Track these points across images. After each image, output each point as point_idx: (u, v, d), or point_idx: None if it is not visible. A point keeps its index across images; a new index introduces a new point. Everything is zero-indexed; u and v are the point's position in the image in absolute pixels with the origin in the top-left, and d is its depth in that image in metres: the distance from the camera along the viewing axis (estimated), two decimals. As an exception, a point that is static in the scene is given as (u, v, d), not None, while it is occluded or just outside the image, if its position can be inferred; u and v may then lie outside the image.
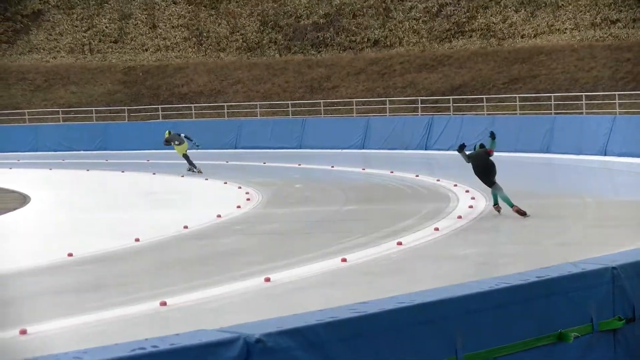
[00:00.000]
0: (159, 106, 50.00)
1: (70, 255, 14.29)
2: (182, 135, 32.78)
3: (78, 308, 10.69)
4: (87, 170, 32.81)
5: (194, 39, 57.35)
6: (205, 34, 57.27)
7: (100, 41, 58.81)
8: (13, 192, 24.95)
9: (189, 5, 59.26)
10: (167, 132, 33.67)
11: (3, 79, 56.32)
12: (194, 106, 49.14)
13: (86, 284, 12.46)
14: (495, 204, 18.16)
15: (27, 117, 51.07)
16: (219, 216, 18.52)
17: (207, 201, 22.24)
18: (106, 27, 59.45)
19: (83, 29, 59.82)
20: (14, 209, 21.03)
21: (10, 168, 34.91)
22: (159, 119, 48.45)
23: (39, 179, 29.10)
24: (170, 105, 50.38)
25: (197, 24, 57.87)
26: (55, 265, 13.75)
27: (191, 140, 32.18)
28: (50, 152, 42.76)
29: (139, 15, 59.71)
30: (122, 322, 10.03)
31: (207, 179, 27.12)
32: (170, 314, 10.24)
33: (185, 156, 32.07)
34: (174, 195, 24.14)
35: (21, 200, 22.98)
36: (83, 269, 13.58)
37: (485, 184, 18.34)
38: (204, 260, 14.17)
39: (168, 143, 32.99)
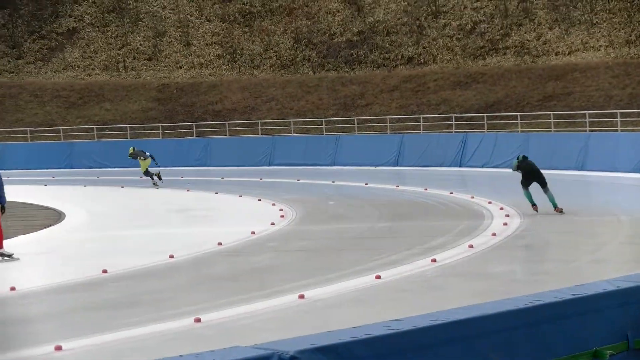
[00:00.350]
0: (193, 123, 50.21)
1: (105, 271, 14.37)
2: (147, 153, 35.36)
3: (113, 324, 10.73)
4: (122, 187, 33.00)
5: (227, 56, 57.59)
6: (239, 52, 57.50)
7: (134, 59, 59.20)
8: (48, 208, 25.12)
9: (223, 23, 59.53)
10: (131, 148, 36.62)
11: (38, 96, 56.78)
12: (228, 123, 49.30)
13: (121, 300, 12.51)
14: (555, 207, 20.58)
15: (61, 134, 51.42)
16: (252, 233, 18.56)
17: (241, 218, 22.28)
18: (140, 44, 59.83)
19: (117, 46, 60.23)
20: (49, 226, 21.18)
21: (46, 185, 35.16)
22: (193, 136, 48.65)
23: (73, 196, 29.28)
24: (204, 122, 50.58)
25: (230, 41, 58.11)
26: (90, 282, 13.83)
27: (154, 160, 34.79)
28: (84, 169, 43.04)
29: (173, 32, 60.06)
30: (156, 339, 10.07)
31: (240, 196, 27.17)
32: (205, 331, 10.26)
33: (147, 172, 34.71)
34: (208, 211, 24.20)
35: (56, 217, 23.13)
36: (118, 286, 13.64)
37: (541, 186, 20.96)
38: (238, 277, 14.20)
39: (134, 157, 35.70)
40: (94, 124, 52.48)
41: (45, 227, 20.87)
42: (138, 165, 35.06)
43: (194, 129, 49.59)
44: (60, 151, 46.69)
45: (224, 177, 35.18)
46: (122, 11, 62.06)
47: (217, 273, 14.79)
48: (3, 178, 16.10)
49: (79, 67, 59.75)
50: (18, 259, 16.14)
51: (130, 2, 62.38)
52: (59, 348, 9.41)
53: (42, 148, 47.82)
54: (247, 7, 60.08)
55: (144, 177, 34.73)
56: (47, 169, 42.99)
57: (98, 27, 61.90)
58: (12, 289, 12.89)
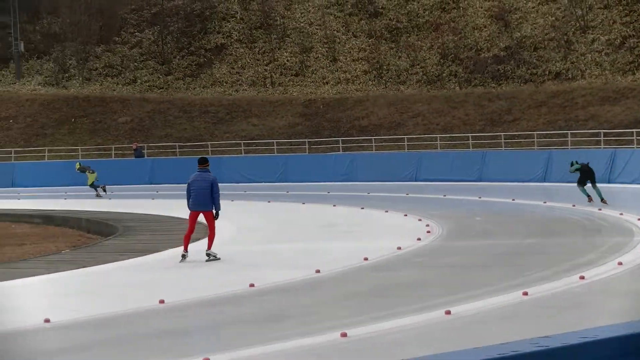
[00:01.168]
0: (339, 138, 50.51)
1: (252, 285, 14.57)
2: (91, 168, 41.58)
3: (259, 338, 10.88)
4: (269, 201, 33.40)
5: (374, 72, 57.81)
6: (385, 67, 57.66)
7: (281, 74, 59.95)
8: (198, 223, 25.57)
9: (369, 39, 59.81)
10: (77, 163, 42.89)
11: (187, 112, 57.98)
12: (374, 138, 49.45)
13: (267, 314, 12.68)
14: (602, 199, 27.40)
15: (209, 148, 52.35)
16: (399, 248, 18.58)
17: (387, 233, 22.31)
18: (287, 60, 60.55)
19: (264, 62, 61.10)
20: (197, 240, 21.58)
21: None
22: (339, 151, 48.93)
23: (223, 210, 29.74)
24: (350, 137, 50.85)
25: (377, 57, 58.33)
26: (237, 295, 14.04)
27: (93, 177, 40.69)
28: (232, 184, 43.67)
29: (320, 48, 60.60)
30: (303, 353, 10.18)
31: (386, 211, 27.20)
32: (351, 345, 10.33)
33: (93, 184, 40.40)
34: (354, 227, 24.30)
35: (204, 230, 23.57)
36: (264, 300, 13.82)
37: (592, 183, 28.09)
38: (384, 292, 14.24)
39: (82, 171, 41.30)
40: (241, 139, 53.29)
41: (193, 241, 21.28)
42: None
43: (340, 144, 49.88)
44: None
45: (369, 192, 35.30)
46: (270, 27, 62.94)
47: (363, 288, 14.85)
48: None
49: (226, 83, 60.81)
50: (220, 258, 18.01)
51: (278, 18, 63.22)
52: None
53: (190, 163, 48.64)
54: (393, 22, 60.23)
55: (91, 189, 40.28)
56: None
57: (245, 43, 62.92)
58: (161, 301, 13.20)
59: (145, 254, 19.12)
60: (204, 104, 58.69)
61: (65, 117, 59.59)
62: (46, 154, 55.27)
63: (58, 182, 46.61)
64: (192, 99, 59.64)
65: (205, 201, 18.53)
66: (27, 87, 64.17)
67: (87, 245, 22.38)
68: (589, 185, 28.13)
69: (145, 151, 52.39)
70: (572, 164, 29.43)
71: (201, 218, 18.89)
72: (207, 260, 18.02)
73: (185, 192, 19.17)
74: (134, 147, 51.41)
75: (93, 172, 40.86)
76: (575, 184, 28.52)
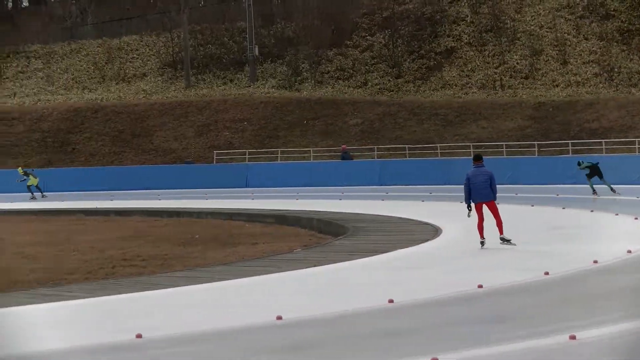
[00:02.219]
0: (569, 141, 49.55)
1: (480, 286, 14.49)
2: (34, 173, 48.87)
3: (485, 339, 10.81)
4: (497, 203, 33.04)
5: (605, 74, 56.43)
6: (616, 70, 56.19)
7: (511, 77, 59.36)
8: (426, 224, 25.66)
9: (601, 41, 58.43)
10: (19, 168, 50.06)
11: (417, 114, 58.14)
12: (604, 141, 48.26)
13: (494, 315, 12.57)
14: (612, 189, 34.14)
15: (438, 151, 52.35)
16: (629, 252, 18.08)
17: (616, 236, 21.71)
18: (517, 63, 59.91)
19: (494, 65, 60.62)
20: (427, 240, 21.64)
21: (423, 200, 35.92)
22: (569, 154, 47.97)
23: (449, 212, 29.70)
24: (580, 140, 49.80)
25: (608, 59, 56.94)
26: (465, 296, 13.98)
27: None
28: (460, 186, 43.35)
29: (550, 51, 59.67)
30: (530, 355, 10.05)
31: (617, 214, 26.51)
32: (580, 349, 10.12)
33: (30, 187, 47.64)
34: (582, 229, 23.77)
35: (433, 232, 23.61)
36: (491, 301, 13.70)
37: (600, 178, 34.66)
38: (613, 295, 13.89)
39: (27, 175, 48.31)
40: (470, 142, 53.00)
41: (423, 242, 21.35)
42: None
43: (570, 147, 48.91)
44: (438, 168, 47.16)
45: (599, 196, 34.46)
46: (499, 30, 62.41)
47: (591, 291, 14.54)
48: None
49: (456, 86, 60.67)
50: (515, 244, 19.72)
51: (508, 21, 62.64)
52: None
53: (419, 165, 48.74)
54: (625, 25, 58.68)
55: (30, 192, 47.48)
56: (425, 185, 43.78)
57: (475, 46, 62.61)
58: (390, 301, 13.30)
59: (375, 254, 19.29)
60: (433, 107, 58.71)
61: (297, 119, 60.80)
62: (279, 155, 56.56)
63: (290, 182, 47.68)
64: (421, 102, 59.76)
65: (487, 192, 20.53)
66: (261, 90, 65.88)
67: (318, 245, 22.76)
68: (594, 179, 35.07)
69: (351, 154, 53.23)
70: (579, 164, 36.15)
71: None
72: (501, 243, 19.84)
73: (464, 187, 20.84)
74: (343, 149, 52.28)
75: (36, 177, 48.60)
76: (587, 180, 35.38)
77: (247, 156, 57.32)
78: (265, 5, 74.81)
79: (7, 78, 75.18)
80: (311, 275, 16.77)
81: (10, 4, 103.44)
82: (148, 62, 74.27)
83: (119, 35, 77.50)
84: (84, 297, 13.99)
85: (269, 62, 68.98)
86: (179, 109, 64.43)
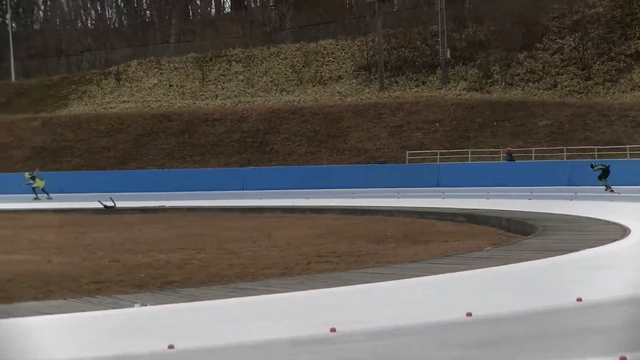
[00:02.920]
0: None
1: (673, 287, 14.11)
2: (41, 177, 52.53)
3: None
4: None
5: None
6: None
7: None
8: (614, 224, 25.07)
9: None
10: (27, 173, 53.51)
11: (606, 116, 56.83)
12: None
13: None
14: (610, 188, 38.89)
15: (627, 152, 51.09)
16: None
17: None
18: None
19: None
20: (615, 240, 21.16)
21: (611, 201, 35.07)
22: None
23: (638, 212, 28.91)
24: None
25: None
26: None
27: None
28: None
29: None
30: None
31: None
32: None
33: (35, 189, 51.62)
34: None
35: (622, 232, 23.05)
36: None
37: (606, 178, 39.32)
38: None
39: (33, 179, 52.09)
40: (662, 143, 51.60)
41: (611, 242, 20.88)
42: None
43: None
44: (626, 169, 45.78)
45: None
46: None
47: None
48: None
49: (647, 88, 59.21)
50: None
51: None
52: (623, 359, 9.43)
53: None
54: None
55: (35, 194, 51.27)
56: (613, 185, 42.65)
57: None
58: (579, 299, 13.09)
59: (563, 253, 18.98)
60: (623, 109, 57.25)
61: (487, 121, 60.30)
62: (469, 155, 56.24)
63: (480, 182, 47.37)
64: (611, 104, 58.38)
65: None
66: (452, 92, 65.64)
67: (508, 244, 22.55)
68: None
69: (515, 155, 52.68)
70: (592, 166, 41.70)
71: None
72: None
73: None
74: (508, 151, 51.78)
75: (42, 180, 52.27)
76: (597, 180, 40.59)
77: (438, 156, 57.22)
78: (458, 9, 74.43)
79: (210, 81, 77.32)
80: (500, 273, 16.65)
81: (213, 11, 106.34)
82: (343, 65, 75.01)
83: (316, 40, 78.57)
84: (280, 292, 14.29)
85: (460, 65, 68.65)
86: (372, 111, 64.84)
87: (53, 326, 11.62)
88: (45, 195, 51.62)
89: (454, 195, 42.03)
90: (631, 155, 50.41)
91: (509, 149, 53.04)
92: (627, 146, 51.66)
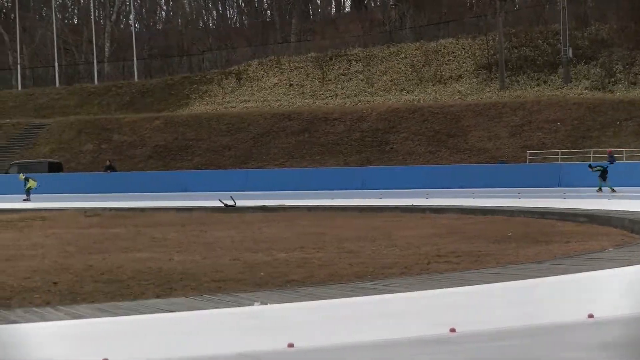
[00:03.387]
0: None
1: None
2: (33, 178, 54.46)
3: None
4: None
5: None
6: None
7: None
8: None
9: None
10: (20, 174, 55.61)
11: None
12: None
13: None
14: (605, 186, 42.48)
15: None
16: None
17: None
18: None
19: None
20: None
21: None
22: None
23: None
24: None
25: None
26: None
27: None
28: None
29: None
30: None
31: None
32: None
33: (29, 189, 53.71)
34: None
35: None
36: None
37: (605, 179, 42.07)
38: None
39: (26, 180, 53.94)
40: None
41: None
42: None
43: None
44: None
45: None
46: None
47: None
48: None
49: None
50: None
51: None
52: None
53: None
54: None
55: (26, 194, 53.29)
56: None
57: None
58: None
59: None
60: None
61: (610, 121, 59.23)
62: (591, 155, 55.32)
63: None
64: None
65: None
66: (574, 92, 64.69)
67: (630, 245, 22.12)
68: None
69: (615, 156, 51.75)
70: (590, 167, 45.04)
71: None
72: None
73: None
74: (609, 152, 50.84)
75: (35, 181, 54.24)
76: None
77: (559, 156, 56.41)
78: (580, 7, 73.30)
79: (330, 80, 77.67)
80: (623, 275, 16.34)
81: (333, 10, 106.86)
82: (463, 65, 74.59)
83: (436, 39, 78.33)
84: (400, 292, 14.28)
85: (582, 64, 67.58)
86: (493, 110, 64.27)
87: (175, 324, 11.83)
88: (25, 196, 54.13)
89: (576, 196, 41.42)
90: None
91: (610, 150, 52.06)
92: None
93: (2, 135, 75.38)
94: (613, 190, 42.42)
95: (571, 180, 49.40)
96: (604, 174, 43.45)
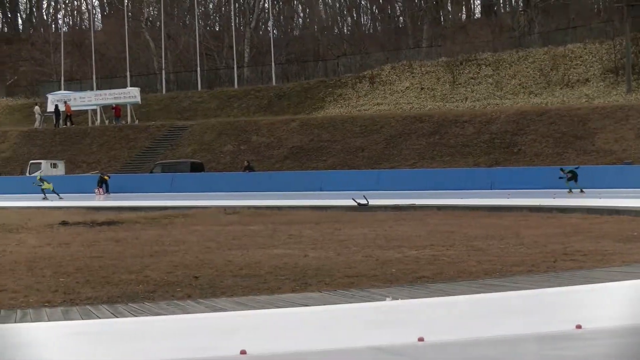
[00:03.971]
0: None
1: None
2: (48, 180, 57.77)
3: None
4: None
5: None
6: None
7: None
8: None
9: None
10: (38, 176, 58.90)
11: None
12: None
13: None
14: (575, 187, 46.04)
15: None
16: None
17: None
18: None
19: None
20: None
21: None
22: None
23: None
24: None
25: None
26: None
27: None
28: None
29: None
30: None
31: None
32: None
33: (45, 190, 56.03)
34: None
35: None
36: None
37: (575, 181, 45.77)
38: None
39: (42, 181, 56.73)
40: None
41: None
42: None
43: None
44: None
45: None
46: None
47: None
48: None
49: None
50: None
51: None
52: None
53: None
54: None
55: (43, 194, 55.69)
56: None
57: None
58: None
59: None
60: None
61: None
62: None
63: None
64: None
65: None
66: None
67: None
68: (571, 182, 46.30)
69: None
70: (562, 170, 48.00)
71: None
72: None
73: None
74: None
75: (49, 183, 57.06)
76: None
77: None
78: None
79: (460, 84, 77.23)
80: None
81: (463, 16, 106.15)
82: (590, 69, 73.25)
83: (564, 43, 77.10)
84: (527, 289, 14.16)
85: None
86: (619, 113, 62.91)
87: (310, 317, 11.96)
88: (56, 195, 55.83)
89: None
90: None
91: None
92: None
93: (148, 137, 77.18)
94: (582, 192, 46.13)
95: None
96: (574, 177, 46.86)
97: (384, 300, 13.08)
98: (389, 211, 39.63)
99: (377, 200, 44.24)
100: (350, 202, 43.11)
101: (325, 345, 9.62)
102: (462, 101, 74.11)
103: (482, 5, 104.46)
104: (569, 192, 46.33)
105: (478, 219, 32.89)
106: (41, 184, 57.37)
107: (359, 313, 12.30)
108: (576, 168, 48.20)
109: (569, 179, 47.12)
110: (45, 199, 55.43)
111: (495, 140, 64.55)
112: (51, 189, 56.87)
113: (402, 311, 12.29)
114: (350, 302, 13.16)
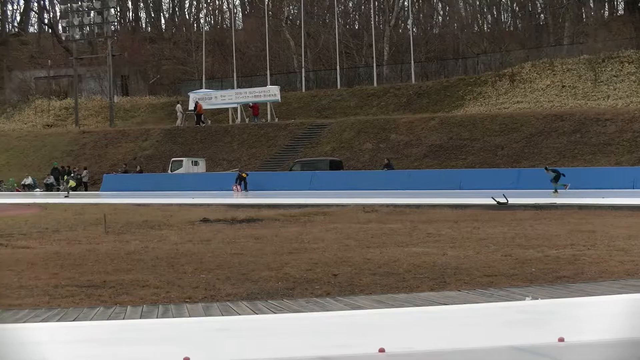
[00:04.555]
0: None
1: None
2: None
3: None
4: None
5: None
6: None
7: None
8: None
9: None
10: (65, 176, 65.18)
11: None
12: None
13: None
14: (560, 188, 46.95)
15: None
16: None
17: None
18: None
19: None
20: None
21: None
22: None
23: None
24: None
25: None
26: None
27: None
28: None
29: None
30: None
31: None
32: None
33: (70, 187, 62.34)
34: None
35: None
36: None
37: (557, 181, 47.26)
38: None
39: (67, 180, 63.04)
40: None
41: None
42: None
43: None
44: None
45: None
46: None
47: None
48: None
49: None
50: None
51: None
52: None
53: None
54: None
55: (67, 191, 61.23)
56: None
57: None
58: None
59: None
60: None
61: None
62: None
63: None
64: None
65: None
66: None
67: None
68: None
69: None
70: (546, 169, 49.80)
71: None
72: None
73: None
74: None
75: (73, 181, 63.75)
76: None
77: None
78: None
79: (602, 82, 75.57)
80: None
81: (606, 13, 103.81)
82: None
83: None
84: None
85: None
86: None
87: (449, 316, 11.93)
88: (66, 193, 61.18)
89: None
90: None
91: None
92: None
93: (287, 135, 78.00)
94: (565, 187, 47.86)
95: None
96: (557, 177, 48.07)
97: (524, 299, 12.95)
98: (528, 210, 39.08)
99: (516, 198, 43.68)
100: (490, 201, 42.66)
101: (464, 344, 9.58)
102: (604, 99, 72.52)
103: (626, 1, 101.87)
104: (553, 192, 47.12)
105: (620, 218, 32.12)
106: (67, 182, 64.33)
107: (499, 312, 12.20)
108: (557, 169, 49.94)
109: (553, 180, 48.45)
110: (67, 197, 58.74)
111: (639, 138, 62.90)
112: (73, 186, 63.71)
113: (542, 311, 12.14)
114: (489, 301, 13.07)
